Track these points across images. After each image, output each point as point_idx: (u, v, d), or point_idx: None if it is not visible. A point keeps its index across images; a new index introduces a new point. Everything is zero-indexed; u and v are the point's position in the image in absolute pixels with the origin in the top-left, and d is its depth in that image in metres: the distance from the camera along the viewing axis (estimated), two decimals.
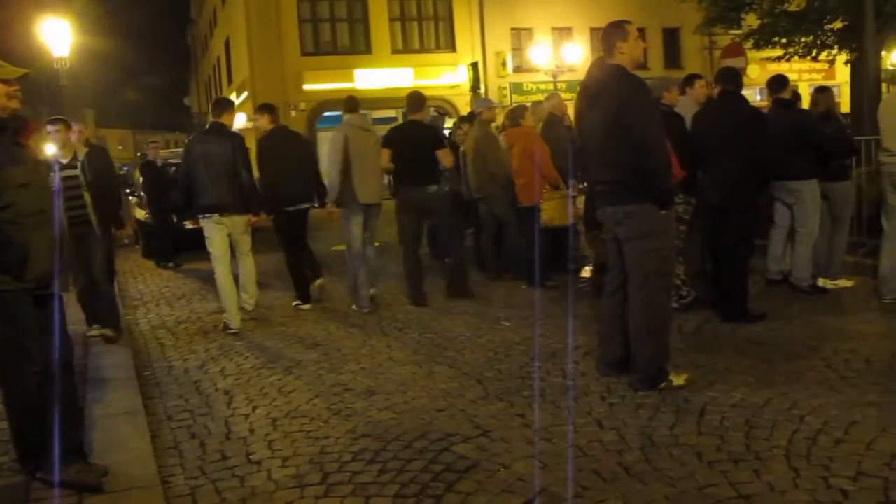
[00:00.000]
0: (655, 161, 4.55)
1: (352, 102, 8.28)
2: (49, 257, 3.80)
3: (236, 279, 7.34)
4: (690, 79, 7.19)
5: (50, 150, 6.83)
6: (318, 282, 8.43)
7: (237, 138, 7.46)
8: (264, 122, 8.43)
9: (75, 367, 4.26)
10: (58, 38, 15.57)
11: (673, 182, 4.88)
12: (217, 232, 7.14)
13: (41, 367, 3.75)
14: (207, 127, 7.78)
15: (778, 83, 7.20)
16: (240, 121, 26.52)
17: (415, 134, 7.66)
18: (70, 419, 3.87)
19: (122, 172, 19.08)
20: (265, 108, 8.55)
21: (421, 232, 7.92)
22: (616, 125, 4.60)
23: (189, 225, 12.55)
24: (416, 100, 7.98)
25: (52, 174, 5.53)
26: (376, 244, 8.47)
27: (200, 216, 7.15)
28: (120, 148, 68.27)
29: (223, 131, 7.36)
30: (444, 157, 7.67)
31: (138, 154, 46.24)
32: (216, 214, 7.06)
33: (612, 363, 5.01)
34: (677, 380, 4.70)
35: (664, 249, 4.71)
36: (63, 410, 3.78)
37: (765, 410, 4.26)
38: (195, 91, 56.15)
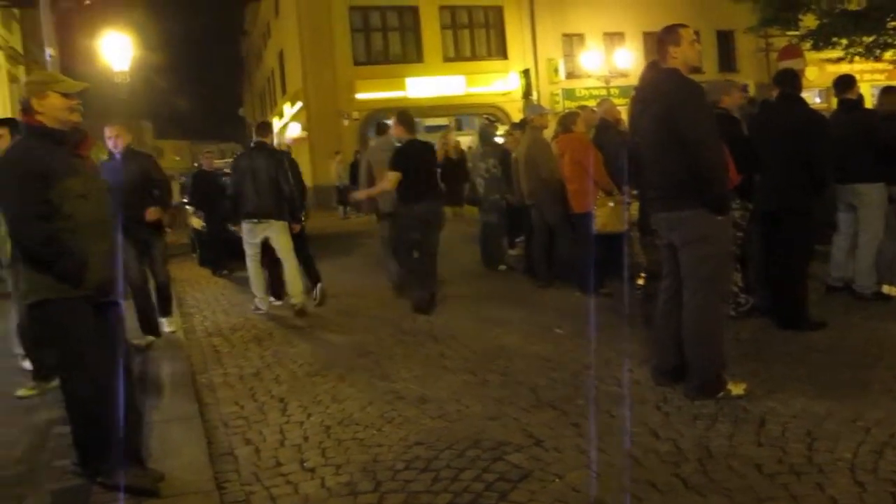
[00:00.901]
0: (709, 165, 4.46)
1: (381, 127, 9.29)
2: (107, 266, 3.89)
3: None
4: (721, 87, 6.97)
5: None
6: (319, 287, 8.93)
7: (280, 154, 8.55)
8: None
9: (133, 373, 4.34)
10: (119, 52, 15.94)
11: (729, 187, 4.79)
12: (252, 234, 8.20)
13: (101, 373, 3.83)
14: (253, 145, 8.65)
15: (843, 84, 7.01)
16: (294, 130, 26.87)
17: (419, 152, 8.00)
18: (129, 425, 3.94)
19: (180, 181, 19.46)
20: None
21: (417, 242, 8.12)
22: (670, 129, 4.53)
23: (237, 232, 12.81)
24: (409, 120, 8.35)
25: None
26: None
27: (244, 220, 8.17)
28: (177, 158, 69.69)
29: (267, 149, 8.46)
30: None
31: (194, 164, 47.10)
32: (254, 219, 8.10)
33: (668, 372, 4.93)
34: (735, 389, 4.60)
35: (720, 255, 4.62)
36: (122, 416, 3.85)
37: (827, 421, 4.14)
38: (249, 102, 57.08)
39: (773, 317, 6.25)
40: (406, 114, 8.46)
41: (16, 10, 19.42)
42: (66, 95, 3.87)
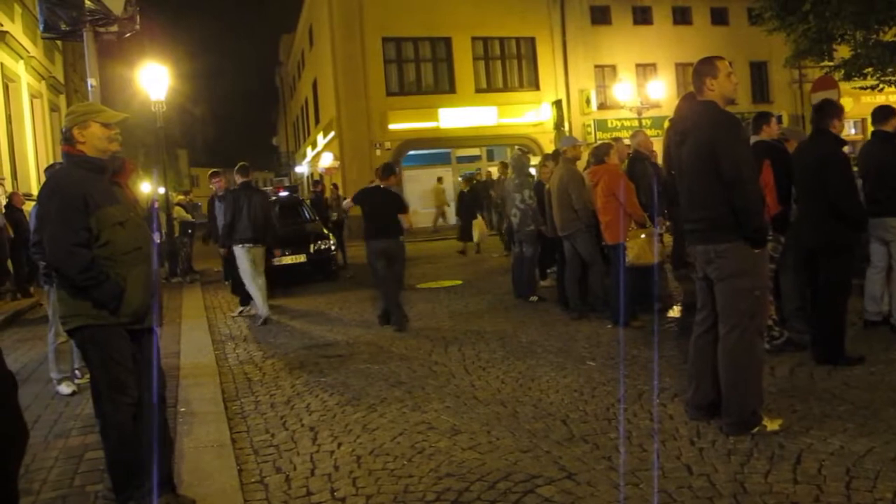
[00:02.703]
0: (748, 199, 4.43)
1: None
2: (145, 293, 3.94)
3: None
4: (761, 119, 6.86)
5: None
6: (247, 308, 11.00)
7: (266, 194, 11.70)
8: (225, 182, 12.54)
9: (167, 400, 4.38)
10: (156, 82, 16.26)
11: (766, 219, 4.74)
12: (247, 256, 10.12)
13: (136, 399, 3.87)
14: (241, 184, 10.53)
15: (881, 115, 6.90)
16: (327, 160, 27.15)
17: (381, 199, 9.34)
18: (162, 451, 3.97)
19: None
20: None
21: (385, 270, 9.32)
22: (706, 162, 4.51)
23: (276, 262, 13.11)
24: (386, 169, 9.65)
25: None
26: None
27: (240, 245, 10.11)
28: (212, 187, 70.37)
29: (256, 188, 10.94)
30: (406, 220, 9.37)
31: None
32: (249, 244, 10.11)
33: (702, 406, 4.87)
34: (771, 425, 4.53)
35: (757, 289, 4.57)
36: (156, 442, 3.88)
37: (866, 460, 4.06)
38: (282, 131, 57.79)
39: (809, 351, 6.16)
40: (387, 165, 9.91)
41: (59, 42, 19.90)
42: (106, 125, 3.96)
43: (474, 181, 20.54)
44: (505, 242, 15.86)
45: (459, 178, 20.07)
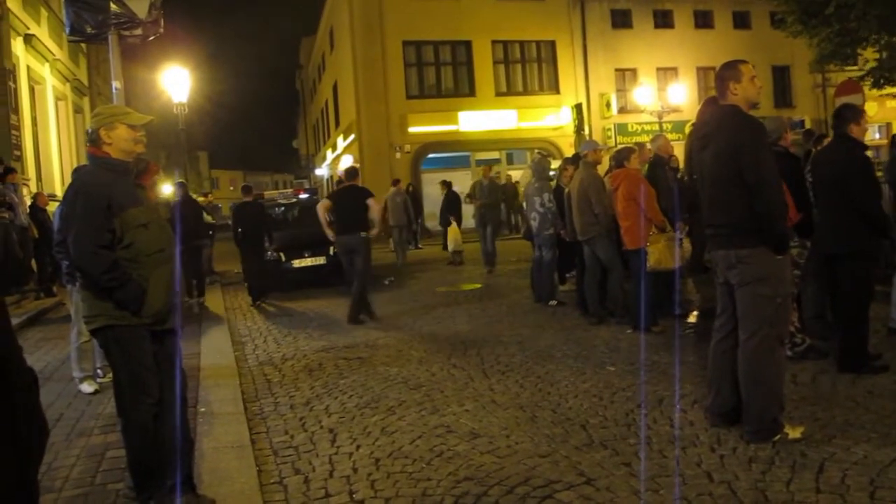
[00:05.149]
0: (771, 204, 4.40)
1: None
2: (167, 294, 3.97)
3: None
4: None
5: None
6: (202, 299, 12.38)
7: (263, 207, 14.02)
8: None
9: (187, 401, 4.41)
10: (178, 85, 16.40)
11: (788, 225, 4.71)
12: None
13: (157, 399, 3.90)
14: (249, 200, 13.20)
15: None
16: (346, 162, 27.20)
17: (346, 197, 10.06)
18: (182, 451, 3.99)
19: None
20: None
21: (349, 265, 10.11)
22: (729, 167, 4.48)
23: (296, 264, 13.26)
24: (349, 173, 10.52)
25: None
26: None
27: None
28: (231, 188, 70.97)
29: (257, 203, 13.47)
30: (374, 207, 10.02)
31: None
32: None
33: (723, 413, 4.83)
34: (793, 433, 4.49)
35: (779, 296, 4.53)
36: (176, 442, 3.91)
37: (890, 469, 4.01)
38: (302, 134, 58.04)
39: (831, 359, 6.11)
40: (351, 169, 10.68)
41: (83, 45, 20.10)
42: (132, 127, 3.99)
43: (455, 186, 19.30)
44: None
45: (439, 183, 19.32)
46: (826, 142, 6.93)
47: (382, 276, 14.69)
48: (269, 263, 13.31)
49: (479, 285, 12.96)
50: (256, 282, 12.68)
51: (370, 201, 9.95)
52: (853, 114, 6.08)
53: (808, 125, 24.01)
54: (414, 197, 22.89)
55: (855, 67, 20.00)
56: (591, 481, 4.10)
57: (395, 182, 19.04)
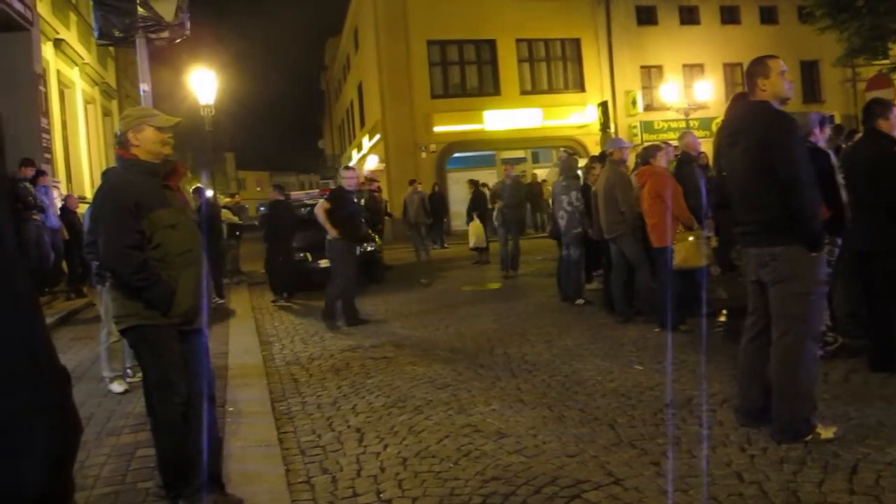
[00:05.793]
0: (804, 200, 4.33)
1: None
2: (195, 294, 4.00)
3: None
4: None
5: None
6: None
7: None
8: None
9: (216, 400, 4.44)
10: (204, 87, 16.52)
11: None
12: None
13: (186, 398, 3.93)
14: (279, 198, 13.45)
15: None
16: (372, 162, 27.25)
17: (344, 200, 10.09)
18: (211, 450, 4.02)
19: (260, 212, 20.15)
20: None
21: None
22: (760, 163, 4.42)
23: (322, 264, 13.38)
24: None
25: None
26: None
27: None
28: (258, 189, 71.48)
29: (286, 202, 13.74)
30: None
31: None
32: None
33: (752, 412, 4.77)
34: (825, 433, 4.42)
35: (812, 294, 4.46)
36: (205, 441, 3.94)
37: None
38: (328, 134, 58.27)
39: (864, 357, 6.02)
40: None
41: (111, 48, 20.33)
42: (159, 129, 4.03)
43: (481, 184, 19.18)
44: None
45: (467, 182, 19.25)
46: (857, 137, 6.81)
47: (419, 276, 14.82)
48: (297, 263, 13.40)
49: (504, 284, 12.93)
50: (282, 279, 12.79)
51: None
52: (882, 108, 6.00)
53: (837, 120, 23.71)
54: (440, 196, 22.90)
55: (886, 61, 19.68)
56: (620, 481, 4.07)
57: (412, 182, 19.10)
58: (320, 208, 10.17)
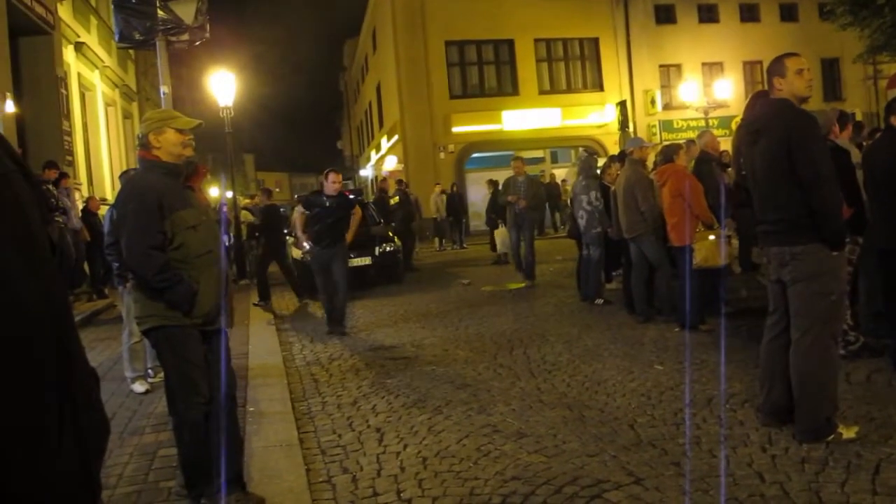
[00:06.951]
0: (825, 199, 4.29)
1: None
2: (216, 295, 4.03)
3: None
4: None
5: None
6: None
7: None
8: None
9: (237, 400, 4.47)
10: (223, 88, 16.61)
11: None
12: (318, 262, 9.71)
13: (207, 398, 3.96)
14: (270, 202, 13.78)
15: None
16: (390, 163, 27.28)
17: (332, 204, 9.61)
18: (232, 449, 4.05)
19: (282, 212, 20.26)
20: None
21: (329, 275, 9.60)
22: (781, 161, 4.39)
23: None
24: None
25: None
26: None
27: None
28: (277, 190, 71.66)
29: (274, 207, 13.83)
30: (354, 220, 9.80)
31: (294, 196, 48.33)
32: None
33: (774, 412, 4.74)
34: (847, 433, 4.39)
35: (833, 293, 4.42)
36: (226, 441, 3.97)
37: None
38: (347, 135, 58.43)
39: (886, 357, 5.96)
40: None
41: (131, 51, 20.50)
42: (180, 131, 4.06)
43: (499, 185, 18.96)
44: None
45: (486, 182, 19.23)
46: (878, 135, 6.75)
47: (460, 277, 14.92)
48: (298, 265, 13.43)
49: (524, 284, 12.90)
50: (303, 280, 12.84)
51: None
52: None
53: (858, 118, 23.47)
54: (458, 197, 22.91)
55: None
56: (640, 481, 4.06)
57: (437, 184, 19.37)
58: (299, 215, 9.86)
